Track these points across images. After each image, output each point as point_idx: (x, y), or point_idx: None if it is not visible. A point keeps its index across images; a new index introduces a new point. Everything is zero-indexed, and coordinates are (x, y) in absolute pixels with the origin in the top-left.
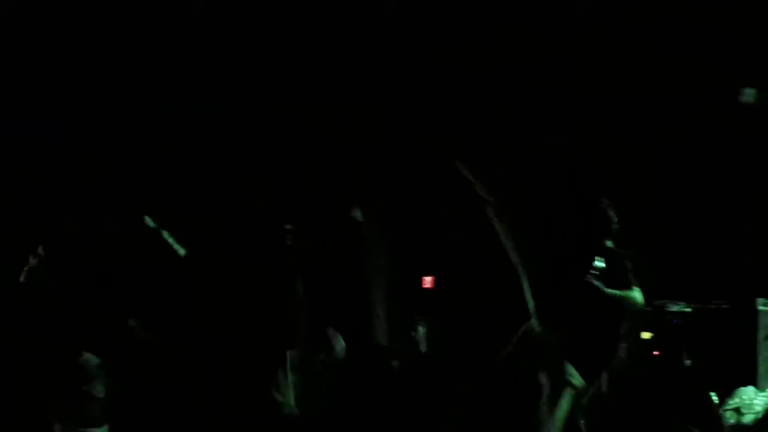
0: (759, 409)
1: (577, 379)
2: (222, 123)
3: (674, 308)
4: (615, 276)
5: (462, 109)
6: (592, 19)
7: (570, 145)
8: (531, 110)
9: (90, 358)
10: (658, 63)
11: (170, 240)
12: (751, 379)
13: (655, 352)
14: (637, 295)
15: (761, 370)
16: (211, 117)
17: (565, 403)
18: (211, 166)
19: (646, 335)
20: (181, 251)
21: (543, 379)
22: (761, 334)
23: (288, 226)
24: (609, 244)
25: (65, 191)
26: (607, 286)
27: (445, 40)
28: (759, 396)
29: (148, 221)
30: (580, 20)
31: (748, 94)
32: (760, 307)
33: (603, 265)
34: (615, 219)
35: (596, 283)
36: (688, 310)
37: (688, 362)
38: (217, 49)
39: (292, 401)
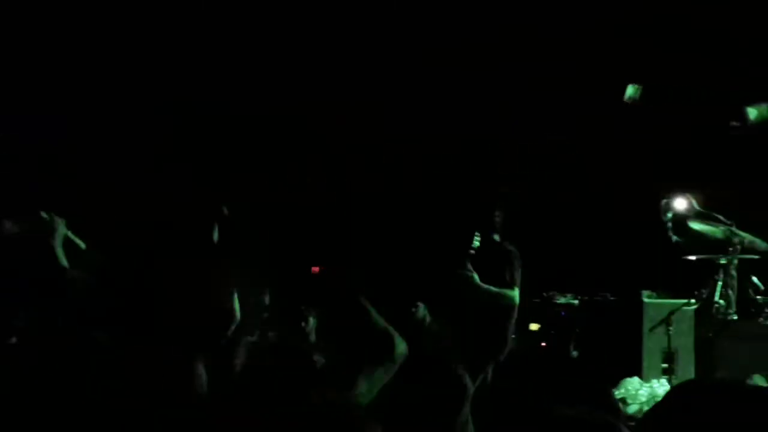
0: (643, 399)
1: None
2: (222, 123)
3: (562, 300)
4: (499, 272)
5: (462, 109)
6: (592, 19)
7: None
8: (531, 110)
9: None
10: (658, 63)
11: (69, 234)
12: (637, 371)
13: (542, 344)
14: (514, 293)
15: (646, 361)
16: (211, 117)
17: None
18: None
19: (534, 327)
20: (82, 245)
21: (467, 380)
22: (646, 326)
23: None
24: (496, 237)
25: (65, 191)
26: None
27: (445, 40)
28: (644, 387)
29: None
30: (580, 20)
31: (632, 91)
32: (646, 300)
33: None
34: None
35: (474, 278)
36: (575, 302)
37: (575, 353)
38: (217, 49)
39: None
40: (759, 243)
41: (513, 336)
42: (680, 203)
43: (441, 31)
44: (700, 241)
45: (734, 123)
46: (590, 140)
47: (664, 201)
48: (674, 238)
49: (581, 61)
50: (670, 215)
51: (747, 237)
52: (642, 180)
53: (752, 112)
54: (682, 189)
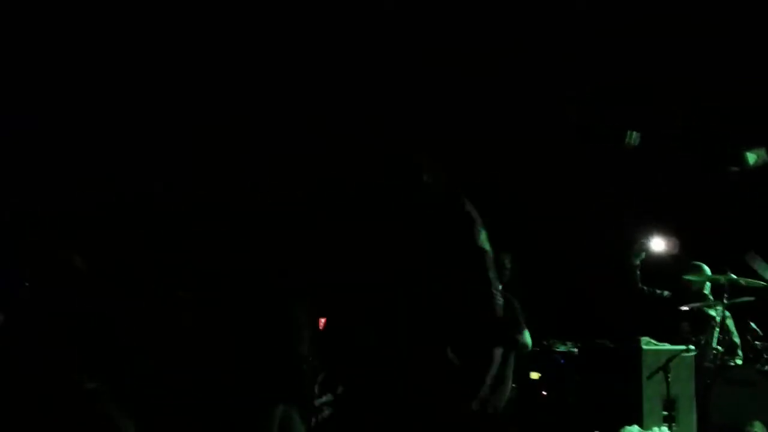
0: None
1: None
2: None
3: (561, 348)
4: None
5: (461, 110)
6: (592, 19)
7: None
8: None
9: None
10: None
11: None
12: (637, 419)
13: (543, 393)
14: (527, 338)
15: (646, 409)
16: (212, 118)
17: None
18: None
19: (534, 375)
20: None
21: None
22: (645, 373)
23: None
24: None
25: (67, 191)
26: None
27: (445, 40)
28: None
29: None
30: (580, 20)
31: (632, 137)
32: (644, 346)
33: None
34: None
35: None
36: (575, 350)
37: (574, 401)
38: (216, 50)
39: None
40: (755, 283)
41: (513, 385)
42: (658, 244)
43: (441, 31)
44: (693, 290)
45: (733, 168)
46: (589, 186)
47: (639, 243)
48: (664, 293)
49: (581, 61)
50: (641, 257)
51: (743, 280)
52: (642, 226)
53: (751, 157)
54: (671, 234)
